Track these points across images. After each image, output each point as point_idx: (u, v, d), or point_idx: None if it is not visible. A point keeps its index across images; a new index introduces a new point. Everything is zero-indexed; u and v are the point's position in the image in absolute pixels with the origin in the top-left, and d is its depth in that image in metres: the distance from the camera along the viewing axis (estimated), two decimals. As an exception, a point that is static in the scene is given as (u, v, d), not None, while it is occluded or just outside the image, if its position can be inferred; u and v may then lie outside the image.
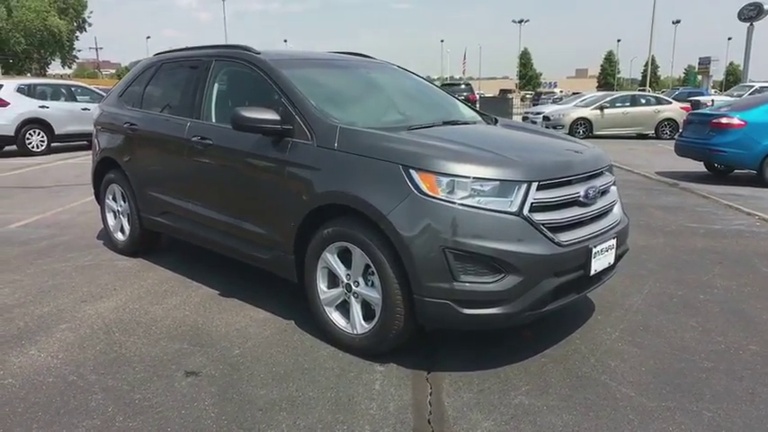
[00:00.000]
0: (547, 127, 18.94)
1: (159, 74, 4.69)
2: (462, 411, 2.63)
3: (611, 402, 2.70)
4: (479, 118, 4.21)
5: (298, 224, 3.27)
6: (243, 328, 3.52)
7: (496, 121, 4.18)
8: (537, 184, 2.85)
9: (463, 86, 28.86)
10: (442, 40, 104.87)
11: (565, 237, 2.91)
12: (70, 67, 64.73)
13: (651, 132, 18.73)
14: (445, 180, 2.78)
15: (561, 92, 49.95)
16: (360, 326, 3.11)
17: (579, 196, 3.04)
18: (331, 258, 3.18)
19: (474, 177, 2.78)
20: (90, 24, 64.47)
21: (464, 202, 2.75)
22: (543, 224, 2.83)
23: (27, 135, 12.35)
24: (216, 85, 4.06)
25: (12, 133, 12.14)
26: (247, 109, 3.36)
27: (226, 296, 4.05)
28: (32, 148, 12.45)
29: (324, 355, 3.17)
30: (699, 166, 10.49)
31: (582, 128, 18.41)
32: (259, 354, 3.18)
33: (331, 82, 3.94)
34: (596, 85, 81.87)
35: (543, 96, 40.67)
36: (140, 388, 2.82)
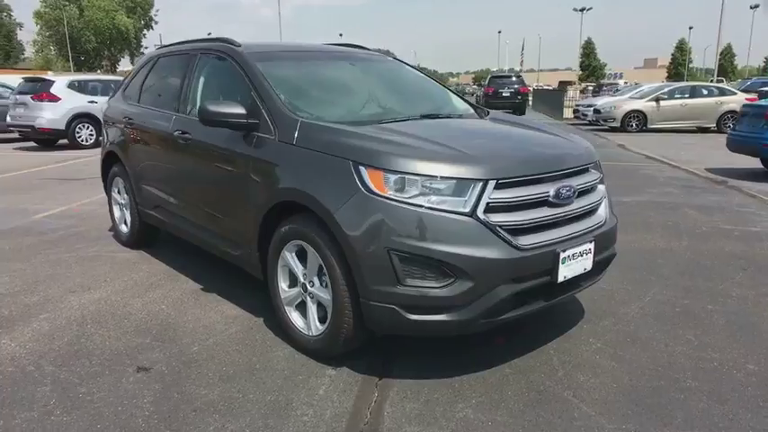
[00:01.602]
0: (597, 121, 18.17)
1: (155, 68, 4.74)
2: (400, 423, 2.48)
3: (564, 422, 2.49)
4: (470, 111, 4.01)
5: (259, 221, 3.20)
6: (210, 325, 3.49)
7: (487, 114, 3.97)
8: (495, 182, 2.65)
9: (514, 78, 28.05)
10: (499, 31, 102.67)
11: (527, 240, 2.69)
12: (139, 64, 67.82)
13: (713, 126, 17.54)
14: (393, 177, 2.63)
15: (626, 83, 47.81)
16: (315, 327, 3.02)
17: (548, 196, 2.81)
18: (289, 257, 3.09)
19: (424, 175, 2.62)
20: (156, 22, 67.28)
21: (413, 201, 2.59)
22: (501, 226, 2.63)
23: (77, 129, 12.94)
24: (200, 79, 4.05)
25: (63, 127, 12.74)
26: (213, 103, 3.32)
27: (207, 291, 4.05)
28: (81, 141, 13.03)
29: (279, 356, 3.10)
30: (757, 163, 9.72)
31: (635, 121, 17.53)
32: (215, 352, 3.14)
33: (310, 75, 3.83)
34: (665, 75, 78.01)
35: (605, 88, 38.96)
36: (89, 382, 2.83)
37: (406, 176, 2.62)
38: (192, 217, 4.02)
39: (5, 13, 64.16)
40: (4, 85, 15.29)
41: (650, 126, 17.50)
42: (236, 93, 3.58)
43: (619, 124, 17.39)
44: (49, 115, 12.62)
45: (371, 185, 2.64)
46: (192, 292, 4.04)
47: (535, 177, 2.81)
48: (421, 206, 2.58)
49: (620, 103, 18.27)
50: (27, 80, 13.83)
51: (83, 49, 58.03)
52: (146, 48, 67.75)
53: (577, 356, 3.08)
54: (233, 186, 3.45)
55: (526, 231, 2.72)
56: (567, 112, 24.44)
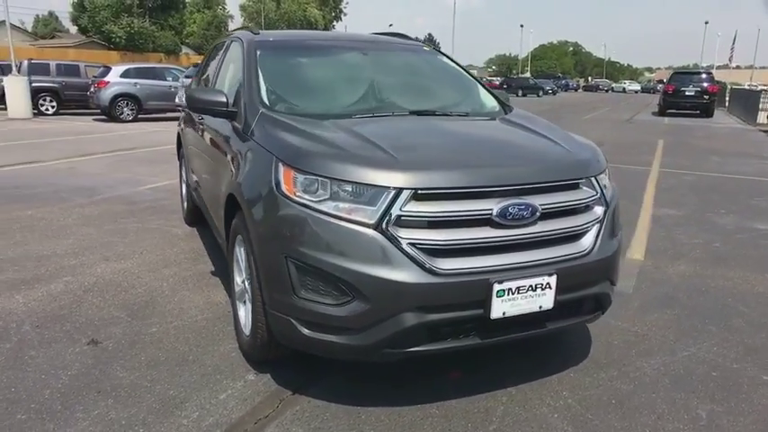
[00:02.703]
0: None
1: (211, 55, 4.92)
2: (268, 447, 2.26)
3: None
4: (488, 110, 3.55)
5: (221, 213, 3.15)
6: (187, 309, 3.54)
7: (506, 113, 3.47)
8: (411, 192, 2.27)
9: (704, 76, 24.73)
10: (706, 22, 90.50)
11: (448, 264, 2.27)
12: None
13: None
14: (301, 178, 2.38)
15: None
16: (246, 327, 2.89)
17: (490, 214, 2.33)
18: (238, 251, 2.99)
19: (335, 178, 2.33)
20: (345, 14, 71.30)
21: (319, 206, 2.33)
22: (414, 244, 2.25)
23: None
24: (224, 66, 4.10)
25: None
26: (199, 90, 3.36)
27: (213, 275, 4.12)
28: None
29: (219, 351, 3.02)
30: None
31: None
32: (166, 336, 3.17)
33: (311, 66, 3.67)
34: None
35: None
36: (43, 347, 3.02)
37: (316, 178, 2.36)
38: (204, 201, 4.13)
39: (221, 7, 72.84)
40: (177, 69, 17.30)
41: None
42: (238, 80, 3.55)
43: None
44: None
45: (282, 185, 2.43)
46: (199, 274, 4.14)
47: (474, 191, 2.35)
48: (325, 213, 2.31)
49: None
50: (195, 65, 15.51)
51: (275, 38, 63.67)
52: (333, 38, 72.32)
53: (530, 410, 2.55)
54: (218, 174, 3.44)
55: (451, 253, 2.30)
56: (762, 117, 20.92)
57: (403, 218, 2.26)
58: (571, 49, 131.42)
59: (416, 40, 4.36)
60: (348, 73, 3.70)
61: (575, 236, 2.55)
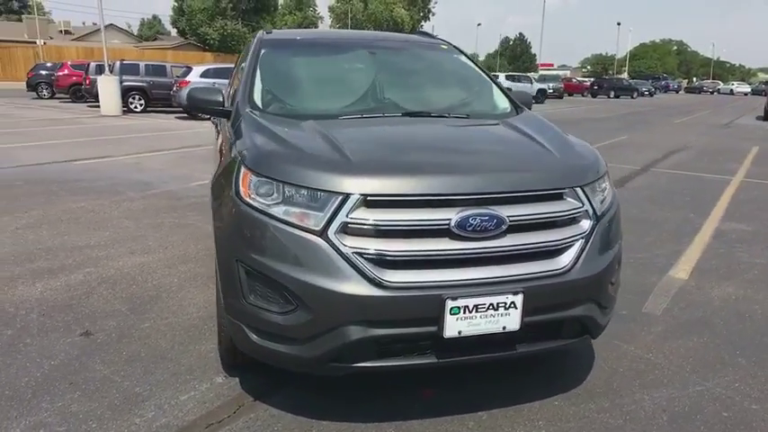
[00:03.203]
0: None
1: (241, 56, 4.98)
2: (207, 455, 2.21)
3: None
4: (499, 112, 3.33)
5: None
6: (186, 306, 3.59)
7: (516, 114, 3.25)
8: (360, 198, 2.14)
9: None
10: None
11: (397, 276, 2.13)
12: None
13: None
14: (255, 180, 2.32)
15: None
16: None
17: (448, 225, 2.16)
18: (218, 252, 2.98)
19: (285, 182, 2.25)
20: (433, 14, 71.20)
21: (269, 210, 2.25)
22: (361, 253, 2.12)
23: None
24: (240, 66, 4.12)
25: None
26: (198, 89, 3.35)
27: (224, 272, 4.15)
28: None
29: (200, 351, 3.03)
30: None
31: None
32: (155, 333, 3.22)
33: (314, 65, 3.60)
34: None
35: None
36: (39, 335, 3.16)
37: (269, 181, 2.28)
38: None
39: (311, 9, 74.92)
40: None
41: None
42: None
43: None
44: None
45: (240, 186, 2.37)
46: (212, 272, 4.14)
47: (430, 198, 2.18)
48: (275, 217, 2.23)
49: None
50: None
51: (362, 39, 64.66)
52: (420, 38, 72.56)
53: (496, 440, 2.34)
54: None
55: (402, 265, 2.15)
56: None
57: (350, 225, 2.14)
58: (675, 48, 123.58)
59: (434, 37, 4.18)
60: (350, 72, 3.60)
61: (551, 251, 2.30)
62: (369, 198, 2.15)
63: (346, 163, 2.27)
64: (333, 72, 3.61)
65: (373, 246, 2.13)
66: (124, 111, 17.74)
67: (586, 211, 2.39)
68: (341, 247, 2.12)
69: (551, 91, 36.84)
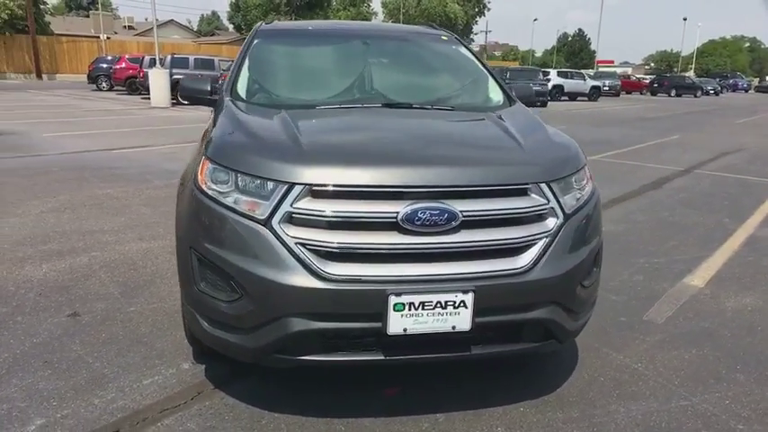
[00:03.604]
0: None
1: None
2: (152, 439, 2.23)
3: None
4: (488, 104, 3.22)
5: None
6: (176, 292, 3.53)
7: (510, 106, 3.14)
8: (305, 188, 2.10)
9: None
10: None
11: (340, 269, 2.07)
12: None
13: None
14: (210, 168, 2.32)
15: None
16: (190, 317, 2.88)
17: (395, 218, 2.08)
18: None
19: (236, 170, 2.23)
20: (489, 9, 70.19)
21: (221, 198, 2.24)
22: (305, 244, 2.08)
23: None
24: (241, 54, 4.14)
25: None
26: (188, 80, 3.40)
27: (222, 261, 4.20)
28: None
29: (175, 336, 3.05)
30: None
31: None
32: (139, 316, 3.27)
33: (304, 55, 3.57)
34: None
35: None
36: (29, 314, 3.27)
37: (223, 169, 2.28)
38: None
39: (365, 4, 75.24)
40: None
41: None
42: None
43: None
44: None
45: (198, 175, 2.37)
46: (210, 260, 4.24)
47: (378, 190, 2.11)
48: (225, 205, 2.22)
49: None
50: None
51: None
52: (475, 34, 71.79)
53: (448, 444, 2.25)
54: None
55: (345, 258, 2.09)
56: None
57: (294, 215, 2.10)
58: (747, 44, 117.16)
59: (437, 28, 4.06)
60: (340, 63, 3.55)
61: (509, 250, 2.19)
62: (314, 188, 2.10)
63: (297, 152, 2.23)
64: (323, 62, 3.57)
65: (318, 237, 2.08)
66: (173, 103, 18.31)
67: (552, 208, 2.26)
68: (284, 237, 2.08)
69: (606, 88, 35.64)
